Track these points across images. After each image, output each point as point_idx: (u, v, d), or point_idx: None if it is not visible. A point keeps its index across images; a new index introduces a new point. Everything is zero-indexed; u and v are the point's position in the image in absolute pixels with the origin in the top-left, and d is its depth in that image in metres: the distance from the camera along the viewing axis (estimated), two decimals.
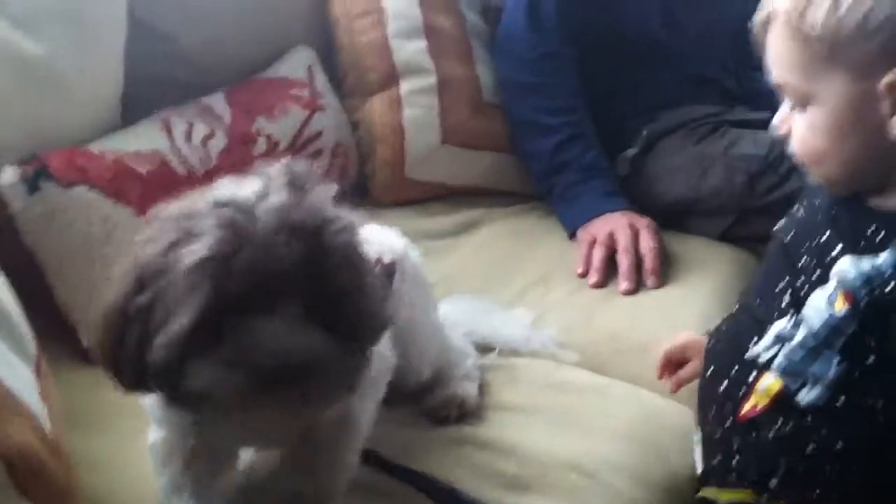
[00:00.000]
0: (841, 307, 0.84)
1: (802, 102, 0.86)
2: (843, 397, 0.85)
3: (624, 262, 1.36)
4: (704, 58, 1.64)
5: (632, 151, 1.56)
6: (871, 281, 0.83)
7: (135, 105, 1.24)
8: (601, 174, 1.50)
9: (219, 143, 1.23)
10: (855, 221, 0.87)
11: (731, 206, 1.49)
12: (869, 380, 0.85)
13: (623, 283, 1.35)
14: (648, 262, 1.37)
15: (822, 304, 0.85)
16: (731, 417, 0.93)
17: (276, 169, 0.72)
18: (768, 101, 1.62)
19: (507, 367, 1.17)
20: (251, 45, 1.43)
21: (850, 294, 0.83)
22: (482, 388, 1.11)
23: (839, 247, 0.86)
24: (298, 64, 1.44)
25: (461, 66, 1.55)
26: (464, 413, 1.06)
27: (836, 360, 0.85)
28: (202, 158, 1.20)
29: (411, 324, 1.01)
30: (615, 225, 1.41)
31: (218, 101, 1.30)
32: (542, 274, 1.38)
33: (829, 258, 0.86)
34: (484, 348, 1.19)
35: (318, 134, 1.39)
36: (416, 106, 1.50)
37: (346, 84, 1.53)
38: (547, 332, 1.23)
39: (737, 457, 0.93)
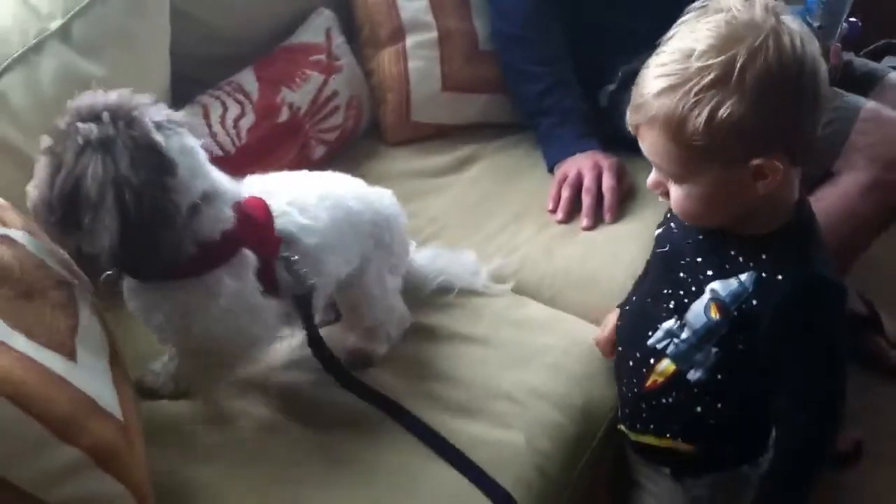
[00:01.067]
0: (715, 315, 1.07)
1: (678, 181, 1.03)
2: (719, 375, 1.11)
3: (585, 200, 1.60)
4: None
5: (610, 87, 1.78)
6: (738, 298, 1.05)
7: (181, 83, 1.48)
8: (577, 118, 1.72)
9: (248, 121, 1.51)
10: (721, 248, 1.07)
11: None
12: (739, 362, 1.09)
13: (584, 220, 1.60)
14: (607, 200, 1.61)
15: (701, 312, 1.09)
16: (636, 388, 1.19)
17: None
18: None
19: (469, 305, 1.43)
20: (277, 16, 1.67)
21: (722, 306, 1.07)
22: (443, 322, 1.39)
23: (709, 272, 1.08)
24: (319, 27, 1.69)
25: (459, 20, 1.77)
26: (366, 366, 1.30)
27: (714, 351, 1.09)
28: (233, 138, 1.48)
29: (378, 278, 1.28)
30: (583, 165, 1.64)
31: (248, 78, 1.56)
32: (518, 211, 1.63)
33: (702, 277, 1.09)
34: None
35: (335, 94, 1.65)
36: (419, 58, 1.74)
37: (362, 37, 1.78)
38: (485, 269, 1.48)
39: (643, 415, 1.20)
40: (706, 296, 1.08)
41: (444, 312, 1.43)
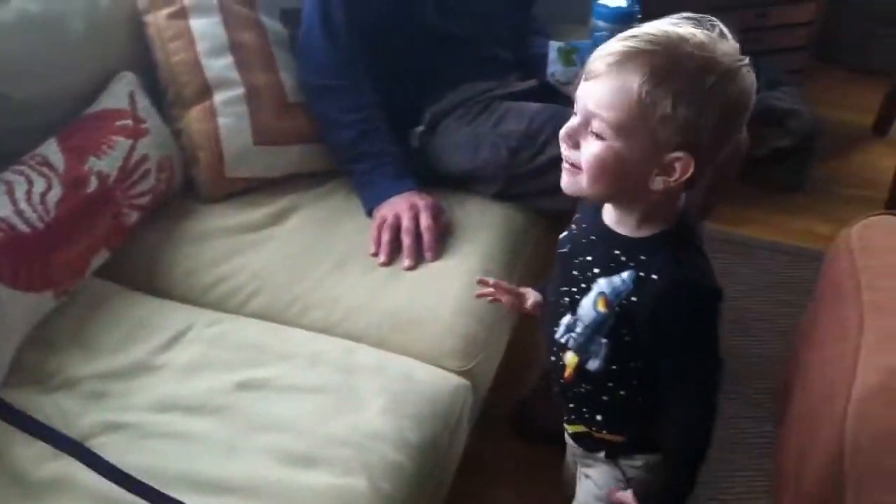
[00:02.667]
0: (602, 309, 1.15)
1: (600, 137, 1.07)
2: (613, 365, 1.18)
3: (405, 241, 1.65)
4: (480, 38, 1.91)
5: (419, 129, 1.85)
6: (620, 293, 1.13)
7: None
8: (391, 160, 1.77)
9: (55, 194, 1.46)
10: (607, 247, 1.15)
11: (500, 175, 1.80)
12: (628, 352, 1.17)
13: (405, 261, 1.64)
14: (426, 239, 1.66)
15: (590, 306, 1.16)
16: (560, 380, 1.25)
17: None
18: (538, 65, 1.95)
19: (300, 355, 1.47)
20: (78, 83, 1.65)
21: (607, 301, 1.14)
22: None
23: (596, 269, 1.16)
24: (122, 92, 1.67)
25: (266, 74, 1.79)
26: None
27: (604, 342, 1.16)
28: (41, 214, 1.43)
29: None
30: (400, 207, 1.69)
31: (52, 149, 1.52)
32: (341, 257, 1.65)
33: (590, 273, 1.16)
34: None
35: (144, 157, 1.63)
36: (228, 115, 1.74)
37: (167, 97, 1.77)
38: None
39: (570, 405, 1.28)
40: (594, 291, 1.16)
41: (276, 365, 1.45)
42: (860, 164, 3.00)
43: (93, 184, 1.54)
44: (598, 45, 1.10)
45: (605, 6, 1.85)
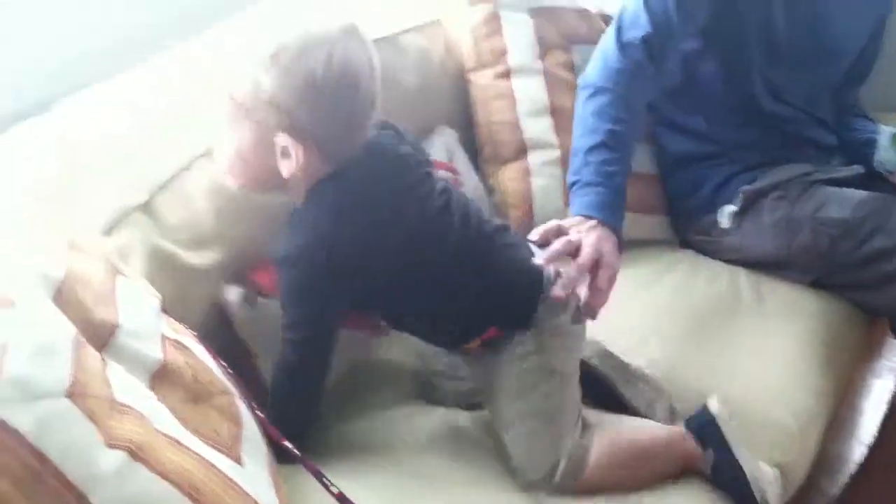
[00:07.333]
0: None
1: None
2: None
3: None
4: (804, 119, 1.83)
5: (731, 208, 1.78)
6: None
7: None
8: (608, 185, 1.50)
9: None
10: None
11: (818, 263, 1.70)
12: None
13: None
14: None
15: None
16: None
17: None
18: (863, 151, 1.84)
19: None
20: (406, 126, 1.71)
21: None
22: None
23: None
24: (442, 145, 1.72)
25: None
26: None
27: None
28: None
29: None
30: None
31: None
32: (648, 328, 1.58)
33: None
34: None
35: None
36: (542, 176, 1.75)
37: (483, 154, 1.80)
38: None
39: None
40: None
41: None
42: None
43: None
44: None
45: None
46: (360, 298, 1.24)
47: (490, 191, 1.78)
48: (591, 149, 1.53)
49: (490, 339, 1.29)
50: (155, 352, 0.94)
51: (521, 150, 1.77)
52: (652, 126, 1.87)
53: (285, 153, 1.16)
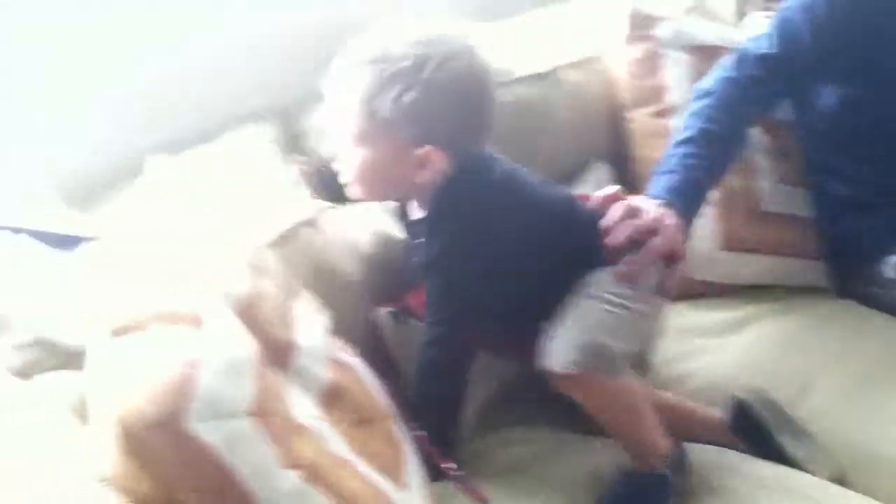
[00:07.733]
0: None
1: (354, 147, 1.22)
2: None
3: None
4: None
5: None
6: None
7: None
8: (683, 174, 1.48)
9: None
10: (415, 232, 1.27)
11: None
12: None
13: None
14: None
15: None
16: None
17: None
18: None
19: None
20: (558, 166, 1.70)
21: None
22: None
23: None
24: (594, 181, 1.71)
25: (741, 179, 1.73)
26: None
27: None
28: None
29: None
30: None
31: None
32: (800, 380, 1.52)
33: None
34: None
35: None
36: (698, 215, 1.72)
37: (638, 190, 1.78)
38: None
39: None
40: None
41: None
42: None
43: None
44: None
45: None
46: (487, 299, 1.25)
47: None
48: (680, 142, 1.52)
49: None
50: (324, 372, 0.96)
51: None
52: (812, 171, 1.81)
53: (424, 163, 1.19)
